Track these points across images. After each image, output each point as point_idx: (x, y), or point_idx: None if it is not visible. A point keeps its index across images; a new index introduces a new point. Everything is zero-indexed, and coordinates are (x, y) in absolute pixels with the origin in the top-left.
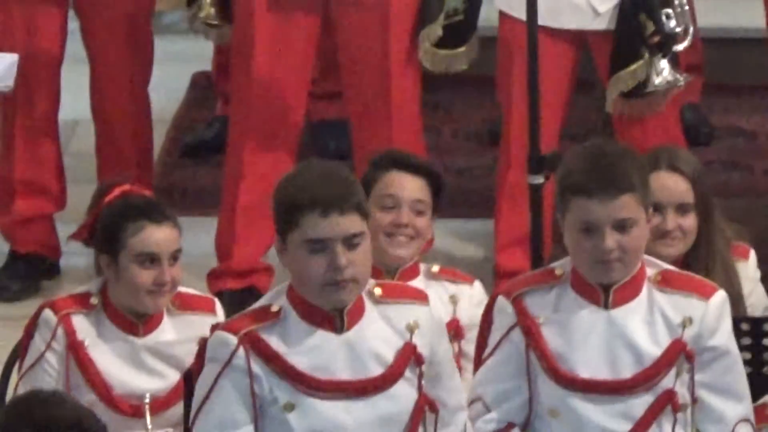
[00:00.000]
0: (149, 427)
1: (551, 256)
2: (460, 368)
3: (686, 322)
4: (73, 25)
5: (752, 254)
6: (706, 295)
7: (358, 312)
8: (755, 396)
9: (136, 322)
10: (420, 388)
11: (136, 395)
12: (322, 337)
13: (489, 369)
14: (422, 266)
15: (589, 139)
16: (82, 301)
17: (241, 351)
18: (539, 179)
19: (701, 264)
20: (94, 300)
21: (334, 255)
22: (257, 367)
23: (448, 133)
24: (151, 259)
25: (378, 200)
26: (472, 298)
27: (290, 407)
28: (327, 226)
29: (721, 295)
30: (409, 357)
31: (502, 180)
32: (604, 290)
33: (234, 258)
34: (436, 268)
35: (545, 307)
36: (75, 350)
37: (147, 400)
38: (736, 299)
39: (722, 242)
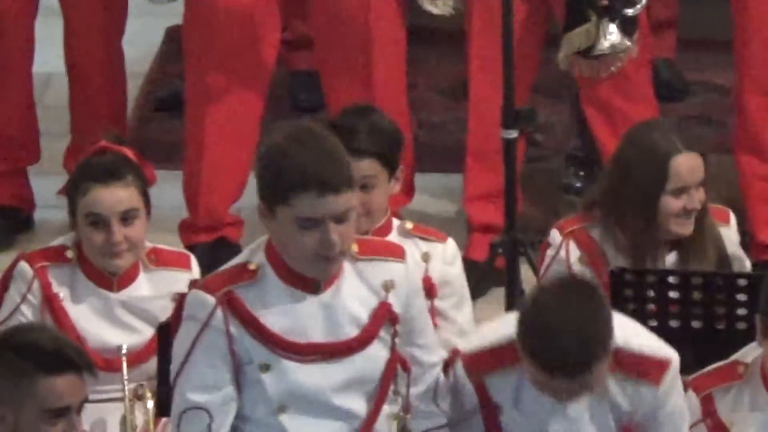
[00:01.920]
0: (125, 379)
1: (522, 212)
2: (434, 325)
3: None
4: None
5: (732, 218)
6: (655, 380)
7: (336, 272)
8: (730, 353)
9: (109, 277)
10: (393, 347)
11: (110, 349)
12: (299, 298)
13: None
14: (396, 223)
15: (562, 94)
16: (57, 254)
17: (219, 312)
18: (513, 134)
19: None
20: (69, 253)
21: (326, 232)
22: (234, 328)
23: (423, 87)
24: (100, 220)
25: None
26: (444, 255)
27: (265, 368)
28: (321, 206)
29: (668, 378)
30: (384, 317)
31: (470, 134)
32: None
33: (201, 211)
34: (409, 225)
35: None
36: (50, 303)
37: (124, 352)
38: (725, 265)
39: (704, 209)
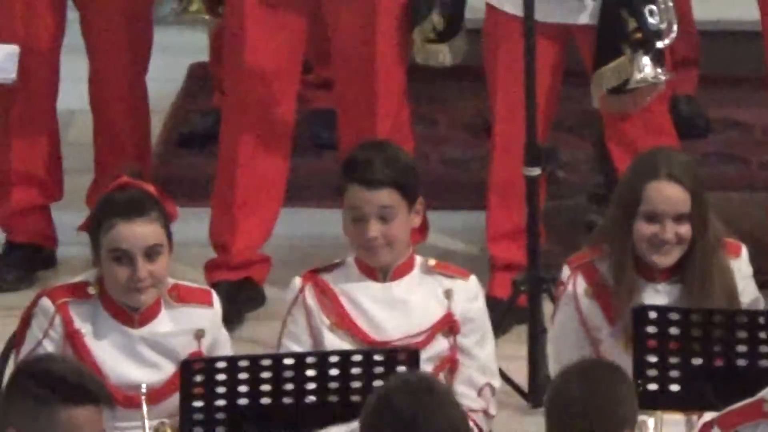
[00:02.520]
0: (146, 417)
1: (546, 250)
2: (456, 362)
3: None
4: (72, 15)
5: (744, 251)
6: None
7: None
8: (752, 391)
9: (131, 313)
10: None
11: (131, 386)
12: None
13: None
14: (418, 260)
15: (584, 131)
16: (79, 290)
17: None
18: (536, 171)
19: (696, 270)
20: (91, 290)
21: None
22: None
23: (444, 124)
24: (124, 255)
25: (348, 212)
26: (467, 292)
27: None
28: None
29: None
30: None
31: (492, 172)
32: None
33: (231, 250)
34: (432, 262)
35: None
36: (72, 339)
37: (143, 390)
38: (733, 299)
39: (716, 242)
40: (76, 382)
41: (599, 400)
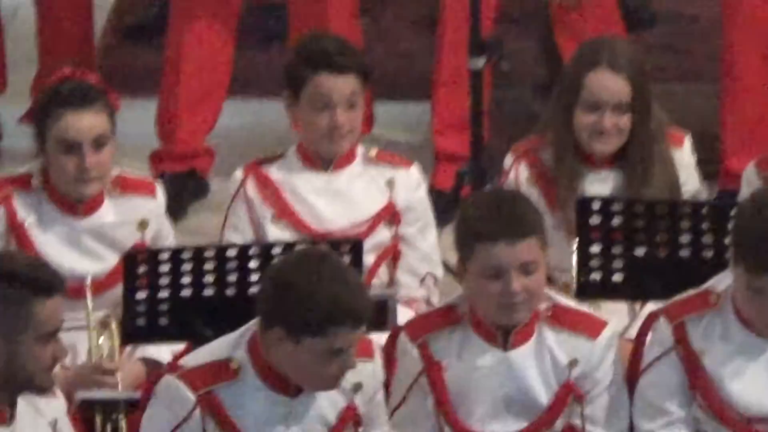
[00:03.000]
0: (90, 307)
1: (490, 141)
2: (398, 251)
3: (573, 363)
4: None
5: (687, 141)
6: (593, 334)
7: None
8: (695, 281)
9: (75, 203)
10: None
11: (75, 277)
12: (274, 400)
13: (402, 414)
14: (360, 150)
15: (530, 23)
16: (23, 182)
17: (197, 411)
18: (480, 63)
19: (637, 158)
20: (35, 181)
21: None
22: (210, 427)
23: (390, 17)
24: (72, 146)
25: (311, 100)
26: (409, 181)
27: None
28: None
29: (607, 335)
30: (350, 419)
31: (440, 63)
32: (504, 333)
33: (176, 141)
34: (373, 152)
35: (450, 350)
36: (16, 231)
37: (88, 282)
38: (674, 188)
39: (659, 132)
40: (42, 276)
41: (505, 202)
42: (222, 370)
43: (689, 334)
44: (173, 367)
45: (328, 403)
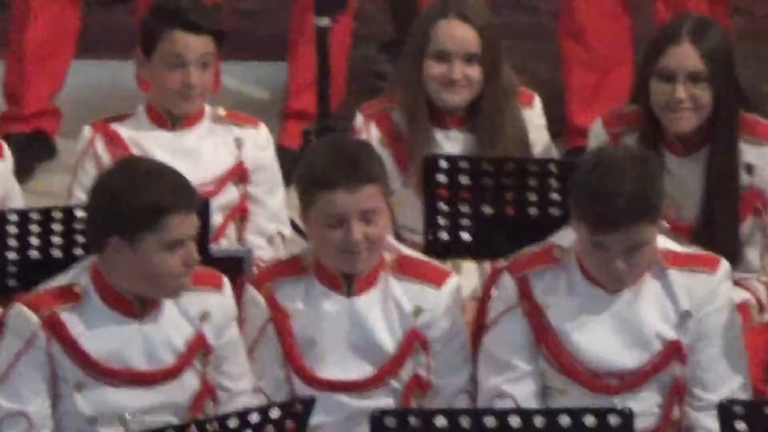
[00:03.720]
0: None
1: (341, 101)
2: (246, 211)
3: (418, 311)
4: None
5: (537, 100)
6: (438, 282)
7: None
8: (543, 239)
9: None
10: (204, 376)
11: None
12: (121, 323)
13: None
14: (208, 109)
15: None
16: None
17: (42, 333)
18: (325, 21)
19: (488, 116)
20: None
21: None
22: (55, 349)
23: None
24: None
25: (164, 58)
26: (257, 140)
27: (79, 387)
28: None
29: (452, 283)
30: (198, 347)
31: (296, 22)
32: (347, 279)
33: (22, 102)
34: (222, 112)
35: (296, 297)
36: None
37: None
38: (524, 147)
39: (509, 89)
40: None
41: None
42: (65, 293)
43: (533, 288)
44: (19, 295)
45: (175, 331)
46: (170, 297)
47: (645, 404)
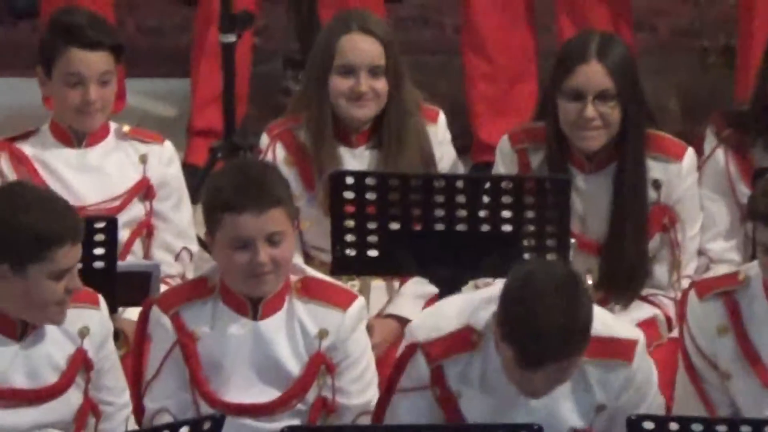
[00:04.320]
0: None
1: (245, 117)
2: (152, 227)
3: (323, 334)
4: None
5: (441, 117)
6: (343, 305)
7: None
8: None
9: None
10: (86, 391)
11: None
12: (2, 345)
13: (156, 387)
14: (113, 126)
15: None
16: None
17: None
18: (231, 38)
19: (392, 131)
20: None
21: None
22: None
23: None
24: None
25: (63, 76)
26: (162, 157)
27: None
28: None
29: (357, 305)
30: (80, 362)
31: (200, 39)
32: (253, 303)
33: None
34: (126, 128)
35: (202, 320)
36: None
37: None
38: (429, 162)
39: (412, 104)
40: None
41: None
42: None
43: (446, 375)
44: None
45: (57, 348)
46: (53, 323)
47: None
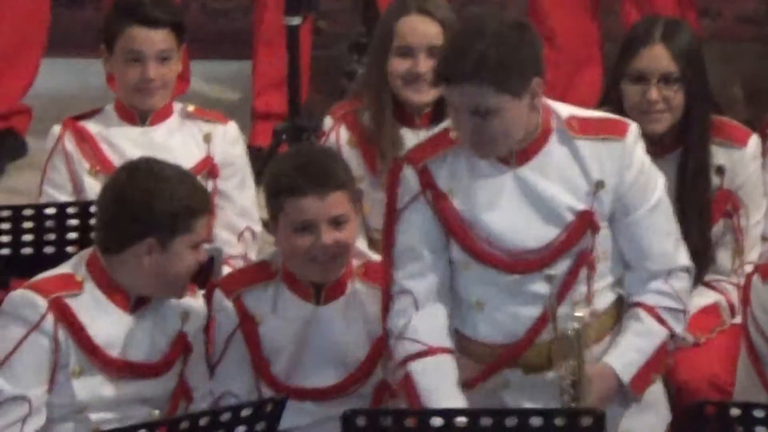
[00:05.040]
0: None
1: (308, 99)
2: (215, 206)
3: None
4: None
5: None
6: None
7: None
8: None
9: None
10: (182, 374)
11: None
12: (118, 314)
13: (220, 371)
14: (176, 106)
15: None
16: None
17: (50, 316)
18: (296, 20)
19: None
20: None
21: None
22: (62, 333)
23: None
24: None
25: (123, 53)
26: (226, 136)
27: (76, 374)
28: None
29: None
30: (182, 345)
31: (259, 21)
32: (316, 288)
33: None
34: (191, 108)
35: (264, 304)
36: None
37: None
38: None
39: None
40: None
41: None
42: (68, 281)
43: (435, 176)
44: (17, 284)
45: (164, 327)
46: (177, 297)
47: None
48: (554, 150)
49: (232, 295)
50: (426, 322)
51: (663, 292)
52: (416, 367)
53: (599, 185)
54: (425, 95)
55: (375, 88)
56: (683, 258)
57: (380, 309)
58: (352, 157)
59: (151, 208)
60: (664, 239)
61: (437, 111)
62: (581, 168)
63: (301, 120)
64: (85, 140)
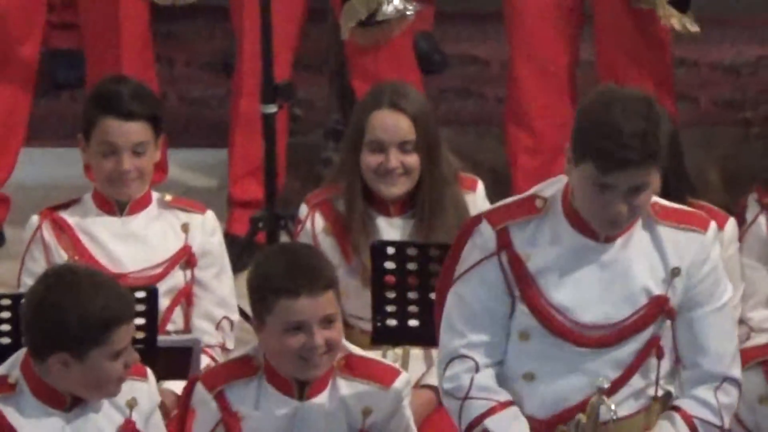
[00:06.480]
0: None
1: (285, 187)
2: (192, 295)
3: (366, 412)
4: None
5: (480, 185)
6: (386, 383)
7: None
8: None
9: None
10: None
11: None
12: (51, 416)
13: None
14: (155, 195)
15: (324, 68)
16: None
17: None
18: (272, 108)
19: (428, 202)
20: None
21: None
22: None
23: (182, 63)
24: None
25: (98, 145)
26: (204, 226)
27: None
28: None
29: (400, 382)
30: None
31: (236, 110)
32: (299, 383)
33: None
34: (168, 197)
35: (247, 400)
36: None
37: None
38: None
39: (449, 174)
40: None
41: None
42: (1, 383)
43: (513, 238)
44: None
45: (106, 420)
46: (109, 397)
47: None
48: (637, 231)
49: (214, 390)
50: (490, 380)
51: (707, 403)
52: (494, 423)
53: (675, 272)
54: (397, 188)
55: (348, 179)
56: (737, 370)
57: (360, 403)
58: (327, 245)
59: (61, 323)
60: (726, 342)
61: (410, 200)
62: (660, 253)
63: (278, 208)
64: (63, 230)
